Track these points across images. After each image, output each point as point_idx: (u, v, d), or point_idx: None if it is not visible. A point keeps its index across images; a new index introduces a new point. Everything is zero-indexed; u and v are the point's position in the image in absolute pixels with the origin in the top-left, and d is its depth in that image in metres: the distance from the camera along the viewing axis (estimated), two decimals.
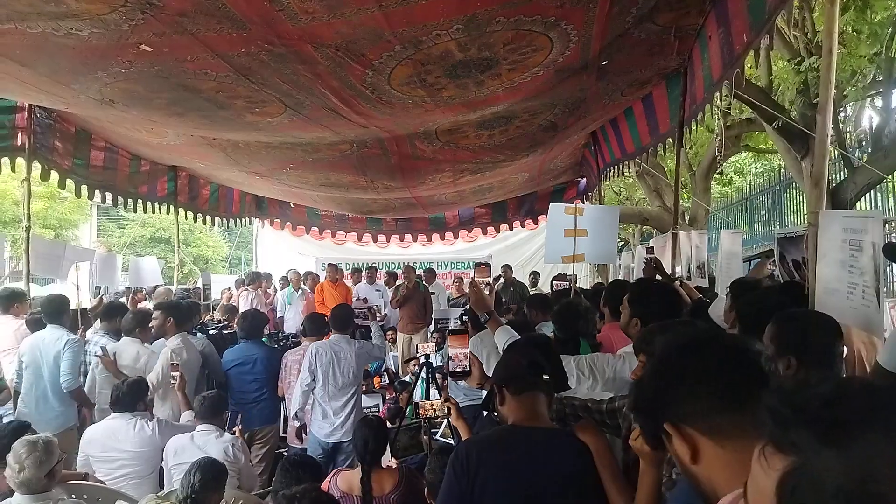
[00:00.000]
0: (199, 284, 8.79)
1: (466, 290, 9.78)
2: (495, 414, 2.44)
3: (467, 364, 2.96)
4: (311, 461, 3.55)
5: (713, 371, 1.14)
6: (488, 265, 4.12)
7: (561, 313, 3.66)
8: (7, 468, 2.90)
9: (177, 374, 4.54)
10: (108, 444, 3.88)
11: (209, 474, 3.06)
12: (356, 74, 3.76)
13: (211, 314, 7.98)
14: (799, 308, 2.27)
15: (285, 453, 5.11)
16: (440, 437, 4.92)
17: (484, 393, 2.76)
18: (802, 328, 1.93)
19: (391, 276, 10.38)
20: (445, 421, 4.51)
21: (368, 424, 3.46)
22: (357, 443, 3.38)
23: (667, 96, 5.03)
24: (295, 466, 3.26)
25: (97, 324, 5.60)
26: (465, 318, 6.71)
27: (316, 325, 5.51)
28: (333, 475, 3.42)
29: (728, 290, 3.13)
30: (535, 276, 10.84)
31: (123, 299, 8.00)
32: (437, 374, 5.01)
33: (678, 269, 5.03)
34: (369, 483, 3.21)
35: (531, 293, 8.96)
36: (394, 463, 3.91)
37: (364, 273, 10.58)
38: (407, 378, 6.98)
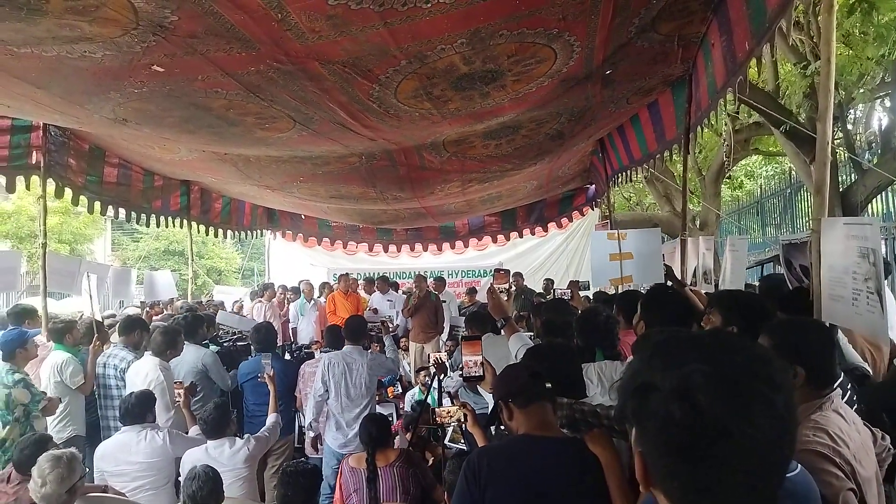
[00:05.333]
0: (215, 299, 8.86)
1: (478, 299, 9.87)
2: (503, 428, 2.46)
3: (480, 370, 3.00)
4: (308, 467, 3.70)
5: None
6: (507, 271, 4.16)
7: (580, 322, 3.70)
8: (31, 481, 2.97)
9: (180, 391, 4.60)
10: (121, 458, 3.93)
11: (207, 486, 3.15)
12: (363, 89, 3.82)
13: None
14: (802, 315, 2.28)
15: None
16: (448, 441, 4.95)
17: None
18: (805, 337, 1.93)
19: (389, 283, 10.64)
20: (452, 425, 4.55)
21: (372, 420, 4.05)
22: (363, 435, 3.92)
23: (672, 103, 5.05)
24: (294, 476, 3.48)
25: (114, 337, 5.69)
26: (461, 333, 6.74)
27: (335, 338, 5.57)
28: (344, 460, 4.02)
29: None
30: (548, 282, 10.82)
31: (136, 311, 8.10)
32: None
33: (687, 276, 5.04)
34: (374, 460, 3.74)
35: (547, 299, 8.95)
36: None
37: (377, 283, 10.65)
38: (416, 389, 7.00)
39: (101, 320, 5.62)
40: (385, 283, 10.64)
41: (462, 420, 2.93)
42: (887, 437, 2.04)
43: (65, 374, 4.89)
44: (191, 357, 5.19)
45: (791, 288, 3.40)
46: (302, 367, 5.57)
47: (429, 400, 5.47)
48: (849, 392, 2.26)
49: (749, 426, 0.81)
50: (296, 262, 13.12)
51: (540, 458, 2.10)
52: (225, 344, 6.39)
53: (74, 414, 4.98)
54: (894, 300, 3.58)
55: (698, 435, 0.82)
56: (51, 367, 4.91)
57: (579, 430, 2.33)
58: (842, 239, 2.11)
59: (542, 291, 10.06)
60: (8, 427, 4.30)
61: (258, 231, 11.55)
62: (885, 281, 2.04)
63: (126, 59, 3.21)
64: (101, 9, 2.67)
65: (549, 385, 2.27)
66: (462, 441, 5.11)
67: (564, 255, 12.60)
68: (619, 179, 7.50)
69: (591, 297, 6.43)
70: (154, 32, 2.91)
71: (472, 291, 10.79)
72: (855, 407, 2.20)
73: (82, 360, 5.08)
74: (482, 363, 2.92)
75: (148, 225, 7.73)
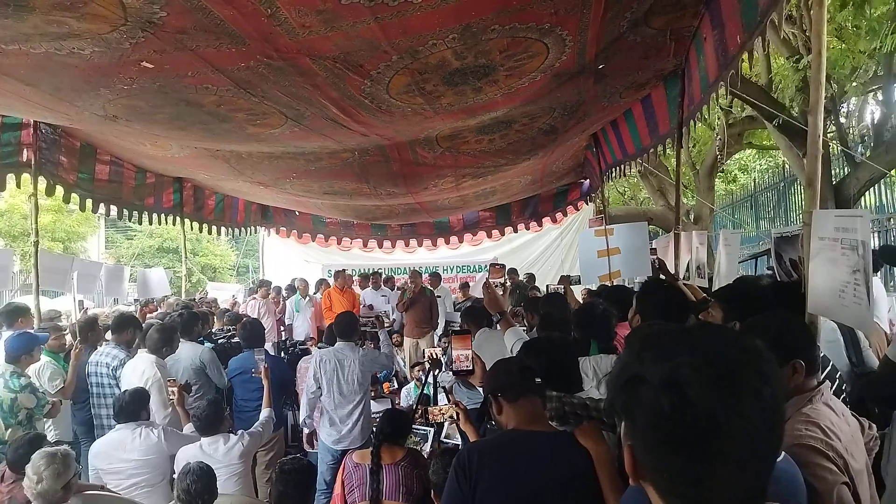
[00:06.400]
0: (209, 296, 8.85)
1: (472, 294, 9.86)
2: (492, 423, 2.47)
3: (470, 364, 3.01)
4: (304, 464, 3.69)
5: None
6: (503, 266, 4.16)
7: (578, 315, 3.71)
8: (25, 479, 2.97)
9: (174, 388, 4.58)
10: (115, 456, 3.92)
11: (201, 481, 3.15)
12: (355, 85, 3.80)
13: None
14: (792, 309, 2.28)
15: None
16: (444, 437, 4.95)
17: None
18: (803, 330, 1.93)
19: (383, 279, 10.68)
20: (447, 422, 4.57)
21: (389, 415, 3.99)
22: (376, 429, 3.89)
23: (665, 97, 5.06)
24: (291, 473, 3.46)
25: (108, 335, 5.66)
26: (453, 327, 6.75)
27: (334, 336, 5.57)
28: (347, 455, 3.86)
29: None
30: (529, 277, 10.60)
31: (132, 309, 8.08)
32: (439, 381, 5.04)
33: (681, 270, 5.04)
34: (379, 453, 3.61)
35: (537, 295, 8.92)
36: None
37: (371, 279, 10.64)
38: (412, 384, 7.00)
39: (83, 323, 5.59)
40: (378, 279, 10.62)
41: (455, 418, 2.93)
42: (874, 427, 2.05)
43: (43, 378, 4.87)
44: (188, 354, 5.19)
45: (779, 281, 3.41)
46: (299, 363, 5.58)
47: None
48: (837, 382, 2.27)
49: (738, 418, 0.81)
50: (290, 258, 13.11)
51: (530, 453, 2.10)
52: (219, 341, 6.37)
53: (58, 418, 4.96)
54: (884, 293, 3.61)
55: (688, 427, 0.82)
56: (33, 371, 4.88)
57: (568, 423, 2.34)
58: (831, 231, 2.12)
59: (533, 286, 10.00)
60: (10, 430, 4.28)
61: (252, 228, 11.51)
62: (878, 274, 2.05)
63: (115, 55, 3.19)
64: (88, 5, 2.66)
65: (540, 379, 2.27)
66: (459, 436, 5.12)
67: (559, 250, 12.60)
68: (613, 174, 7.51)
69: (589, 292, 6.44)
70: (143, 28, 2.90)
71: (465, 286, 10.76)
72: (842, 397, 2.22)
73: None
74: (472, 357, 2.92)
75: (140, 222, 7.69)
